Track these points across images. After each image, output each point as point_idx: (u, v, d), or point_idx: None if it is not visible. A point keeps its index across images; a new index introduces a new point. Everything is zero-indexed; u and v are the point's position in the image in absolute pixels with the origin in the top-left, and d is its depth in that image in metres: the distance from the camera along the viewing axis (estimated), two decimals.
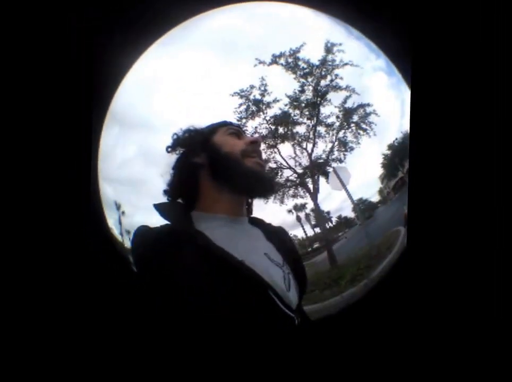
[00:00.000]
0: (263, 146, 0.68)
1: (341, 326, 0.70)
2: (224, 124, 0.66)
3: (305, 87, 0.70)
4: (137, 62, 0.73)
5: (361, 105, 0.70)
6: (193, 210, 0.62)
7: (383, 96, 0.69)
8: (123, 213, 0.66)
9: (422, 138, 0.64)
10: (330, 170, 0.72)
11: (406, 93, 0.66)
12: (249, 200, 0.68)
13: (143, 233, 0.58)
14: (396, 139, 0.67)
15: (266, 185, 0.64)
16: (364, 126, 0.69)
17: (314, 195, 0.73)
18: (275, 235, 0.65)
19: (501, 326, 0.60)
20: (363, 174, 0.69)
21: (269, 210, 0.71)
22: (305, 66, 0.70)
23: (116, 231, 0.71)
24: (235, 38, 0.69)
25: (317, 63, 0.69)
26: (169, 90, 0.68)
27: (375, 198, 0.71)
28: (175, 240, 0.55)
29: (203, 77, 0.66)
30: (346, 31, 0.71)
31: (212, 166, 0.62)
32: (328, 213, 0.71)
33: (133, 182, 0.63)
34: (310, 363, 0.64)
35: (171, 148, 0.64)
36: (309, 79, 0.69)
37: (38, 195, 0.72)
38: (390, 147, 0.67)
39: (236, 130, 0.65)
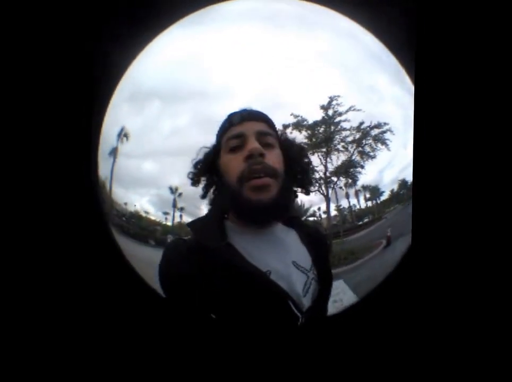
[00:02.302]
0: None
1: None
2: (226, 128, 0.63)
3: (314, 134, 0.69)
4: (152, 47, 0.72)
5: (377, 125, 0.69)
6: (227, 220, 0.65)
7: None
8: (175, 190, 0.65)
9: (427, 133, 0.67)
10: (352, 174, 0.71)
11: None
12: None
13: (175, 245, 0.64)
14: None
15: (268, 212, 0.60)
16: (380, 141, 0.70)
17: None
18: (310, 237, 0.68)
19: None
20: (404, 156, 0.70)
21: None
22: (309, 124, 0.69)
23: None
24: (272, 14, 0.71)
25: (320, 118, 0.68)
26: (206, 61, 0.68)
27: None
28: (205, 254, 0.60)
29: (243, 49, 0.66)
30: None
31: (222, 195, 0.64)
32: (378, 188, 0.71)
33: (187, 150, 0.62)
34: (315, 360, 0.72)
35: (195, 183, 0.65)
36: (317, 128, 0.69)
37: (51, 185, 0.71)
38: None
39: (235, 138, 0.61)
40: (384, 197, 0.69)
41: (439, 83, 0.67)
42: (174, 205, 0.66)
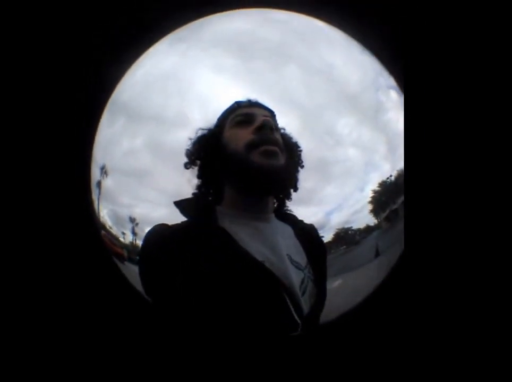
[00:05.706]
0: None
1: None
2: (233, 109, 0.62)
3: None
4: (145, 55, 0.74)
5: None
6: (219, 205, 0.62)
7: None
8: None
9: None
10: None
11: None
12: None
13: (160, 230, 0.60)
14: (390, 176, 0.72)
15: (278, 178, 0.61)
16: None
17: None
18: (305, 233, 0.65)
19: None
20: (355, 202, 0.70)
21: None
22: None
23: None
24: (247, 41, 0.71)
25: None
26: (180, 86, 0.69)
27: (369, 224, 0.73)
28: (195, 236, 0.57)
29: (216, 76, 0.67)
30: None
31: (223, 169, 0.62)
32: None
33: (137, 173, 0.64)
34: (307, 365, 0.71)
35: (189, 165, 0.63)
36: None
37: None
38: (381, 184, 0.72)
39: (243, 116, 0.61)
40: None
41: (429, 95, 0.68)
42: (133, 232, 0.67)
